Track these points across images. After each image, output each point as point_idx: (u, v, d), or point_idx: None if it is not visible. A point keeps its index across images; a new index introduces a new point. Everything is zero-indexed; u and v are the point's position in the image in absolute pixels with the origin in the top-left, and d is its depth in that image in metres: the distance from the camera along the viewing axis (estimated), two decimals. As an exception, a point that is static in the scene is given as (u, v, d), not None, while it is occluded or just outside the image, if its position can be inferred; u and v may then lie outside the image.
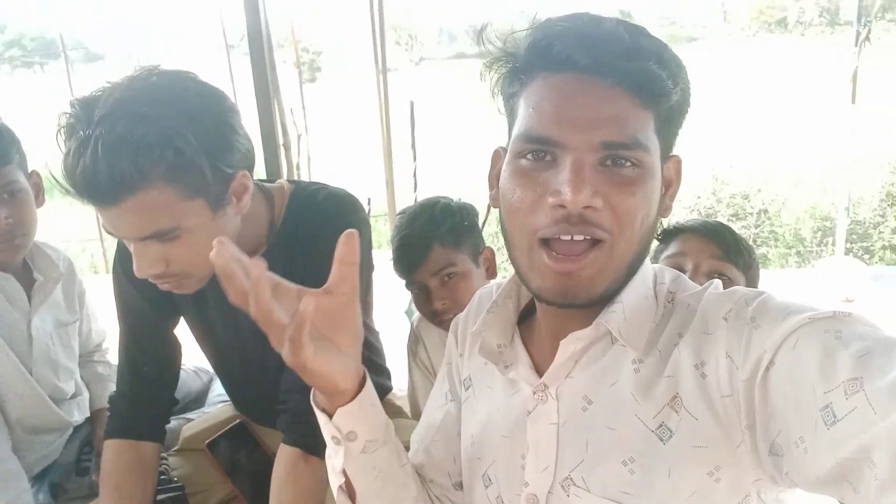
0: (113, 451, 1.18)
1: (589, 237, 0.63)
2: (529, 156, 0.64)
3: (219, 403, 1.60)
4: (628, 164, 0.62)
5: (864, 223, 6.63)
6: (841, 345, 0.53)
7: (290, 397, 1.11)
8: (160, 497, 1.22)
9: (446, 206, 1.31)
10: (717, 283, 0.69)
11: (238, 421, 1.41)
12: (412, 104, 5.69)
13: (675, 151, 0.69)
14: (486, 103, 0.71)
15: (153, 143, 0.86)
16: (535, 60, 0.64)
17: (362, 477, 0.75)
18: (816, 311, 0.56)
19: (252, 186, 1.03)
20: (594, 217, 0.62)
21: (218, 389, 1.79)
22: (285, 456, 1.08)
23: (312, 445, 1.08)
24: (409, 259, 1.28)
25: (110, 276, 1.24)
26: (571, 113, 0.61)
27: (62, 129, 0.89)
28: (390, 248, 1.33)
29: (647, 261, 0.71)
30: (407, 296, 1.41)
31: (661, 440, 0.63)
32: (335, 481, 0.77)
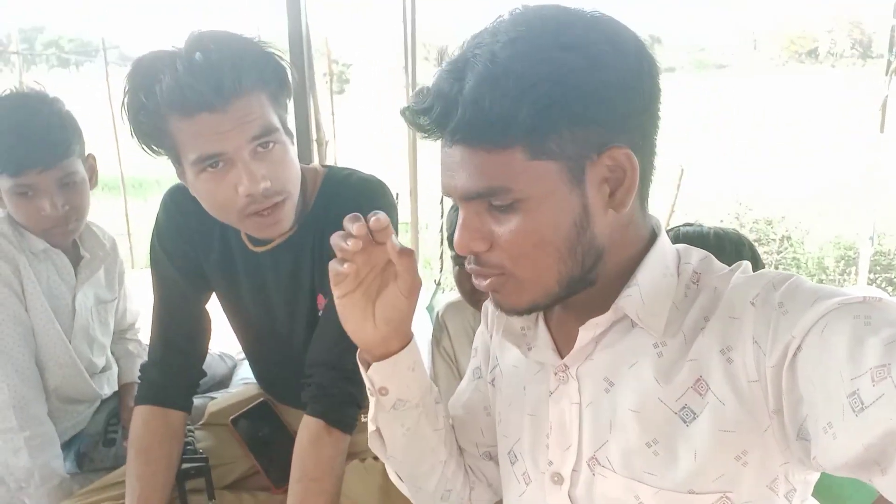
0: (142, 417, 1.23)
1: (488, 272, 0.69)
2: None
3: (242, 386, 1.65)
4: (508, 201, 0.63)
5: (889, 254, 6.55)
6: (870, 330, 0.53)
7: (315, 371, 1.16)
8: (185, 466, 1.26)
9: None
10: (746, 265, 0.68)
11: (262, 399, 1.46)
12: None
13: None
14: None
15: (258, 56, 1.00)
16: None
17: (390, 430, 0.82)
18: (846, 297, 0.56)
19: None
20: (484, 258, 0.68)
21: (241, 374, 1.85)
22: (309, 427, 1.13)
23: (335, 418, 1.13)
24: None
25: (137, 272, 1.30)
26: (448, 171, 0.66)
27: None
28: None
29: (664, 239, 0.70)
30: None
31: (685, 422, 0.64)
32: (370, 426, 0.83)
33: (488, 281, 0.68)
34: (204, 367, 1.44)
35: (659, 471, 0.65)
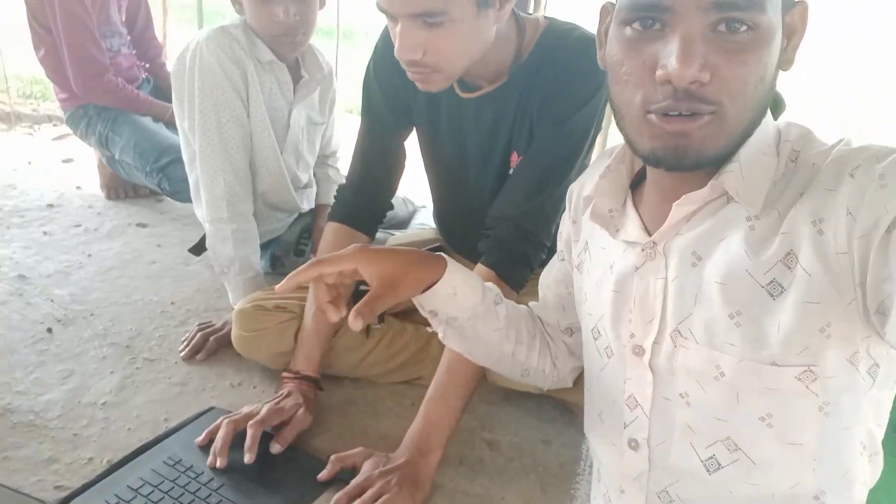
0: (331, 232, 1.33)
1: (696, 112, 0.60)
2: (636, 24, 0.62)
3: (419, 229, 1.72)
4: (743, 27, 0.59)
5: None
6: None
7: (497, 224, 1.16)
8: (361, 287, 1.35)
9: None
10: (848, 139, 0.64)
11: (437, 244, 1.51)
12: None
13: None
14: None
15: None
16: None
17: (451, 334, 0.91)
18: None
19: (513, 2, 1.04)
20: (700, 92, 0.60)
21: (420, 219, 1.93)
22: (479, 274, 1.14)
23: (507, 273, 1.14)
24: None
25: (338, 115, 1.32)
26: None
27: None
28: None
29: (768, 116, 0.68)
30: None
31: (772, 296, 0.63)
32: (437, 331, 0.92)
33: (695, 121, 0.62)
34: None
35: (740, 342, 0.65)
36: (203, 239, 1.52)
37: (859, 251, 0.57)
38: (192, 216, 2.03)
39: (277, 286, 0.83)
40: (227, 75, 1.38)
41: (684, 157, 0.63)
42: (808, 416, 0.65)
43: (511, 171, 1.20)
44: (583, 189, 0.85)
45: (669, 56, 0.59)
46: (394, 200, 1.47)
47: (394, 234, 1.68)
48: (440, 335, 0.92)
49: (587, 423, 0.90)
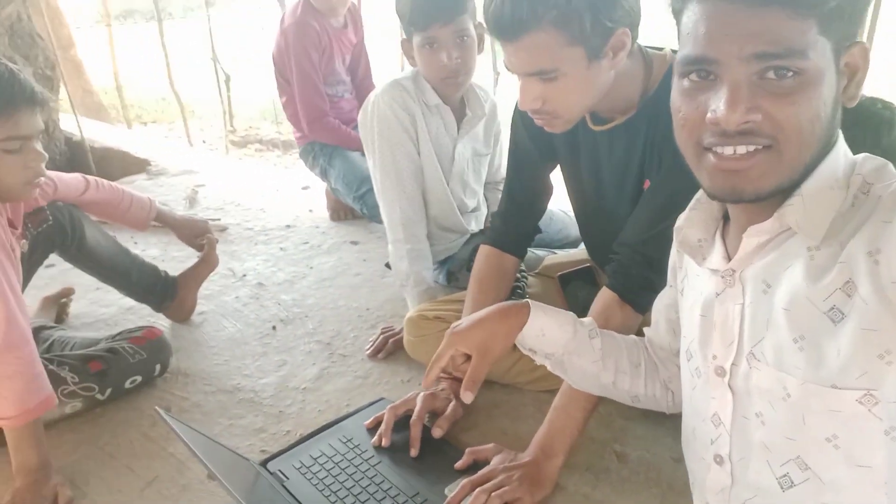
0: (483, 254, 1.50)
1: (752, 147, 0.65)
2: (693, 76, 0.68)
3: (581, 249, 1.82)
4: (790, 73, 0.64)
5: None
6: None
7: (621, 249, 1.24)
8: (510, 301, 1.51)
9: None
10: None
11: (589, 265, 1.60)
12: None
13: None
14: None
15: None
16: None
17: (554, 367, 1.05)
18: None
19: (630, 45, 1.11)
20: (753, 129, 0.66)
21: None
22: (604, 296, 1.24)
23: (629, 295, 1.21)
24: None
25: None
26: (723, 31, 0.65)
27: None
28: None
29: (843, 149, 0.72)
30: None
31: (833, 321, 0.67)
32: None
33: (750, 159, 0.67)
34: (560, 227, 1.63)
35: (804, 365, 0.69)
36: None
37: None
38: (394, 235, 2.36)
39: (424, 382, 1.07)
40: (399, 120, 1.63)
41: (742, 192, 0.70)
42: (875, 440, 0.67)
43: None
44: (679, 218, 0.92)
45: (719, 101, 0.66)
46: (567, 218, 1.58)
47: (555, 253, 1.80)
48: (547, 367, 1.05)
49: (683, 439, 0.96)
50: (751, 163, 0.67)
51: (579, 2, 1.02)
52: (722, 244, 0.82)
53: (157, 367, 1.59)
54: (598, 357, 1.03)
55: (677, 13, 0.72)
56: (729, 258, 0.79)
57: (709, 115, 0.67)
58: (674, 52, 1.24)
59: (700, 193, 0.85)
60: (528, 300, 1.01)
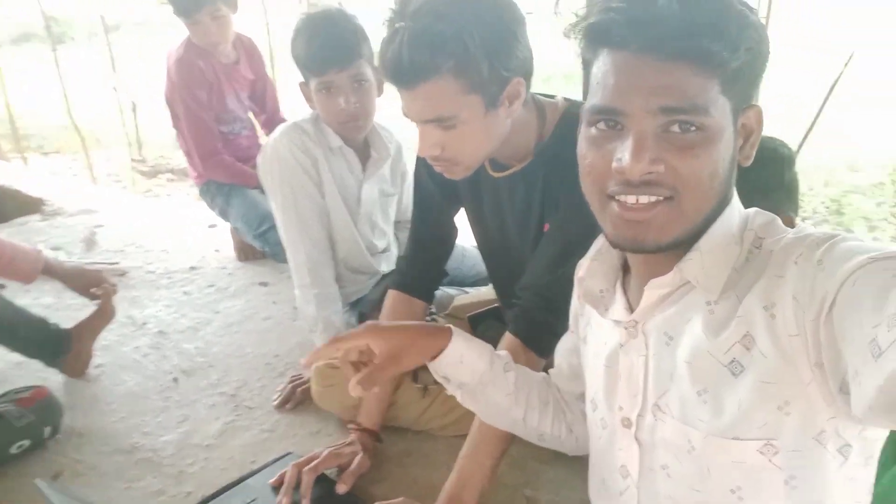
0: (390, 299, 1.48)
1: (654, 197, 0.67)
2: (601, 125, 0.70)
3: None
4: (692, 128, 0.66)
5: None
6: None
7: (523, 294, 1.25)
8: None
9: None
10: (802, 226, 0.71)
11: (497, 305, 1.61)
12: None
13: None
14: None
15: (448, 38, 1.01)
16: (596, 39, 0.70)
17: (465, 397, 0.99)
18: (879, 252, 0.57)
19: (525, 94, 1.13)
20: (656, 179, 0.67)
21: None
22: (508, 342, 1.24)
23: (532, 340, 1.22)
24: None
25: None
26: (632, 83, 0.66)
27: (385, 21, 1.08)
28: None
29: (737, 204, 0.74)
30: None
31: (734, 374, 0.69)
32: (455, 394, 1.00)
33: (651, 209, 0.69)
34: (473, 265, 1.62)
35: (707, 417, 0.71)
36: None
37: (811, 333, 0.61)
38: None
39: (303, 360, 0.97)
40: (300, 163, 1.61)
41: (644, 242, 0.71)
42: (777, 489, 0.69)
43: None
44: (579, 269, 0.93)
45: (624, 151, 0.67)
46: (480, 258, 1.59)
47: (467, 292, 1.80)
48: (458, 398, 1.02)
49: (592, 489, 0.96)
50: (652, 213, 0.69)
51: (477, 50, 1.03)
52: (623, 295, 0.82)
53: (48, 429, 1.48)
54: (512, 390, 1.01)
55: (587, 63, 0.73)
56: (631, 309, 0.80)
57: (614, 163, 0.68)
58: (566, 100, 1.30)
59: (601, 244, 0.86)
60: (451, 326, 0.98)
